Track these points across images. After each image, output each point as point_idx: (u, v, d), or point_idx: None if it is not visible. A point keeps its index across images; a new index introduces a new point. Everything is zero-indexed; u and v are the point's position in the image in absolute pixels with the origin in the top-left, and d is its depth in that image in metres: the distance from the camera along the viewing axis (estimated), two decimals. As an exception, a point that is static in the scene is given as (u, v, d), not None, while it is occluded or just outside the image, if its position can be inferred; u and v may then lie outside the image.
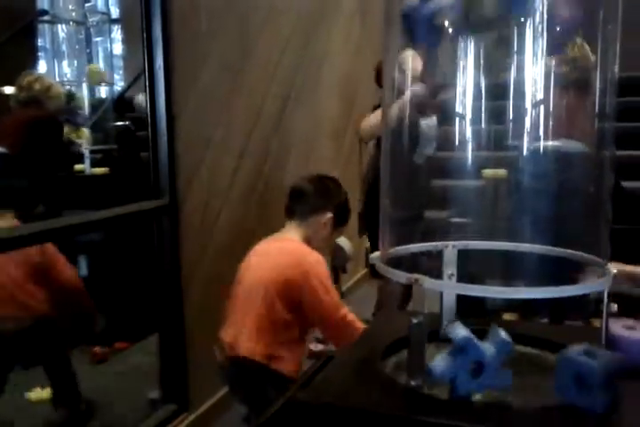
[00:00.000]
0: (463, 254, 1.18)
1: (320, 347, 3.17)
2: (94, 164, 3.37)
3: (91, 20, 4.02)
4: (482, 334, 0.98)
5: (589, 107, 1.09)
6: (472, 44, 1.27)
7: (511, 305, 1.88)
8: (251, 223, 2.77)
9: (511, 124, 1.20)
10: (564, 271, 1.09)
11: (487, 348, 0.92)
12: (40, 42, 4.85)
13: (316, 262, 1.94)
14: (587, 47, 1.22)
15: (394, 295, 2.98)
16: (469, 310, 1.20)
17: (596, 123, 1.12)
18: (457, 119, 1.29)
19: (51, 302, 2.39)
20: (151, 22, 2.11)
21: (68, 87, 3.79)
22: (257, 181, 2.82)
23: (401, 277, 1.02)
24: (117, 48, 4.54)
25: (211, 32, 2.38)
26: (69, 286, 2.46)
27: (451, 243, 1.20)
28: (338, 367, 1.11)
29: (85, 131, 3.46)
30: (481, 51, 1.26)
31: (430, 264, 1.21)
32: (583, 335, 1.03)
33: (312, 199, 2.04)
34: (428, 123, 2.84)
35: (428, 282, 0.97)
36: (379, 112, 2.24)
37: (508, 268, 1.10)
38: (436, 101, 1.72)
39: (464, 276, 1.13)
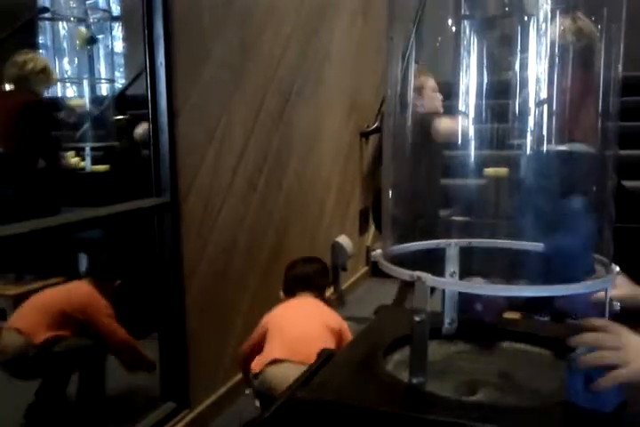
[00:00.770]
0: (466, 252, 1.18)
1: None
2: (95, 161, 3.37)
3: (92, 17, 4.01)
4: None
5: (595, 96, 1.09)
6: (475, 40, 1.27)
7: (513, 303, 1.88)
8: (251, 221, 2.77)
9: (515, 122, 1.20)
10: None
11: None
12: (41, 39, 4.85)
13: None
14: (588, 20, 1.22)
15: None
16: (471, 308, 1.20)
17: (599, 123, 1.12)
18: (459, 118, 1.29)
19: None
20: (152, 19, 2.11)
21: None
22: (258, 179, 2.81)
23: (403, 274, 1.02)
24: (118, 46, 4.53)
25: (212, 29, 2.38)
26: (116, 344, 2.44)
27: (453, 241, 1.20)
28: (339, 365, 1.11)
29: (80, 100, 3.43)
30: (484, 47, 1.26)
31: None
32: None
33: (317, 281, 2.45)
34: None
35: (430, 280, 0.97)
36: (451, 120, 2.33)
37: (511, 266, 1.10)
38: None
39: (466, 274, 1.13)
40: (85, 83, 3.84)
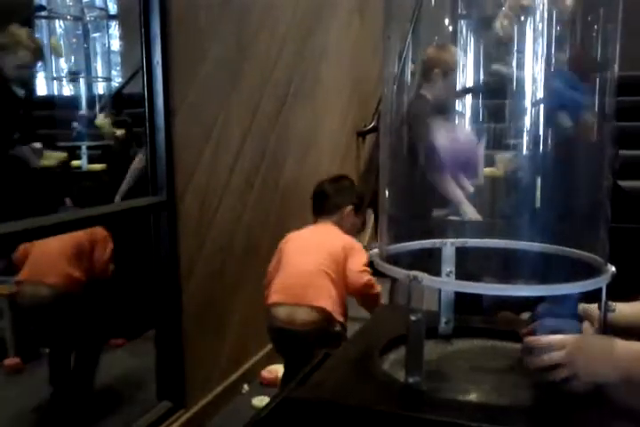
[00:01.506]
0: (462, 252, 1.18)
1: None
2: (92, 160, 3.36)
3: (88, 15, 4.00)
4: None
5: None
6: (472, 40, 1.27)
7: (508, 303, 1.88)
8: (248, 220, 2.77)
9: (512, 122, 1.20)
10: (561, 269, 1.09)
11: None
12: (37, 37, 4.82)
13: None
14: None
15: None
16: (467, 307, 1.20)
17: (595, 123, 1.12)
18: (456, 118, 1.29)
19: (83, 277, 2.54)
20: (149, 18, 2.10)
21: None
22: (254, 178, 2.81)
23: (399, 274, 1.02)
24: (115, 44, 4.52)
25: (209, 28, 2.38)
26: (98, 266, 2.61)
27: (449, 240, 1.21)
28: (335, 364, 1.11)
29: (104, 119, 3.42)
30: (481, 47, 1.26)
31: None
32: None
33: (333, 199, 2.43)
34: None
35: (426, 279, 0.97)
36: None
37: (506, 266, 1.10)
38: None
39: (462, 273, 1.13)
40: (82, 81, 3.83)
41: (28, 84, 3.06)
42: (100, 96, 3.88)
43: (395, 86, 1.32)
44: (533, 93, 1.18)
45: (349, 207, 2.42)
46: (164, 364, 2.36)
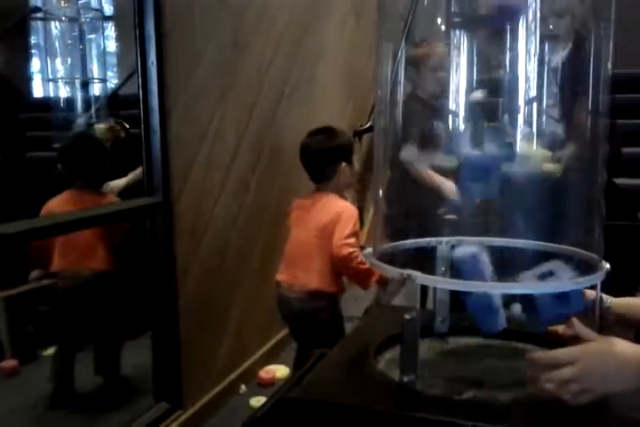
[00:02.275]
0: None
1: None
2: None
3: (84, 17, 4.00)
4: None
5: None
6: (466, 40, 1.27)
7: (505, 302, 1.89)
8: (244, 221, 2.76)
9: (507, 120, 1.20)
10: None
11: None
12: (33, 39, 4.82)
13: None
14: None
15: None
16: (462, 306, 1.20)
17: (589, 120, 1.12)
18: (450, 116, 1.29)
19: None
20: (144, 18, 2.10)
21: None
22: (250, 178, 2.81)
23: (393, 272, 1.02)
24: (111, 45, 4.52)
25: (204, 29, 2.37)
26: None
27: (444, 239, 1.20)
28: (330, 364, 1.11)
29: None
30: (475, 47, 1.26)
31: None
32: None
33: (325, 168, 2.32)
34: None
35: (420, 278, 0.97)
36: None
37: (501, 264, 1.09)
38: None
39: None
40: (77, 83, 3.82)
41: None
42: (96, 98, 3.88)
43: (389, 86, 1.32)
44: (526, 92, 1.18)
45: (343, 165, 2.32)
46: (161, 364, 2.36)
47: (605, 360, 0.89)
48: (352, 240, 2.18)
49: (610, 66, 1.08)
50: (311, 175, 2.38)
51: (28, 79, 4.96)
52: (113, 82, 4.32)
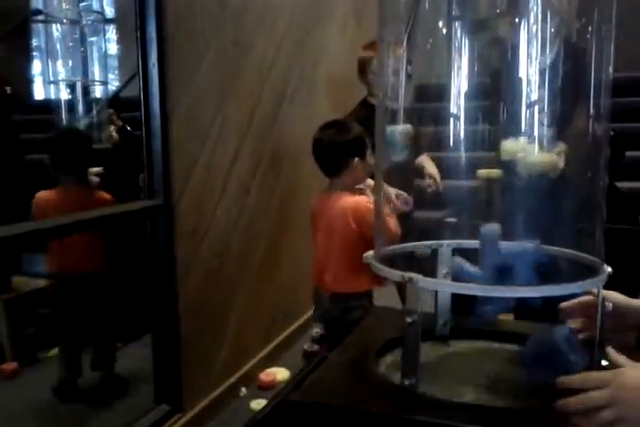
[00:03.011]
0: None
1: (315, 347, 3.16)
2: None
3: (85, 19, 4.00)
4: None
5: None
6: (466, 43, 1.27)
7: (506, 305, 1.88)
8: (245, 224, 2.76)
9: (507, 123, 1.20)
10: (558, 271, 1.09)
11: None
12: (34, 41, 4.83)
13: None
14: None
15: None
16: (464, 309, 1.19)
17: (590, 124, 1.12)
18: (451, 119, 1.28)
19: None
20: (145, 21, 2.10)
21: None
22: (252, 181, 2.81)
23: (395, 275, 1.02)
24: (112, 48, 4.52)
25: (205, 31, 2.38)
26: None
27: (445, 242, 1.20)
28: (331, 367, 1.11)
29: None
30: (475, 50, 1.26)
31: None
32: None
33: (337, 163, 2.29)
34: (398, 129, 2.77)
35: (422, 281, 0.97)
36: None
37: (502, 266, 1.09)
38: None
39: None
40: (78, 85, 3.82)
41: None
42: (97, 100, 3.88)
43: (389, 88, 1.32)
44: (527, 96, 1.18)
45: (355, 160, 2.28)
46: (162, 367, 2.36)
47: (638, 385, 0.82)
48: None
49: (611, 69, 1.08)
50: (324, 170, 2.34)
51: (29, 81, 4.97)
52: (114, 84, 4.32)
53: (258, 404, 2.55)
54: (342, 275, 2.24)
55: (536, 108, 1.13)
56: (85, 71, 4.01)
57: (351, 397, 0.99)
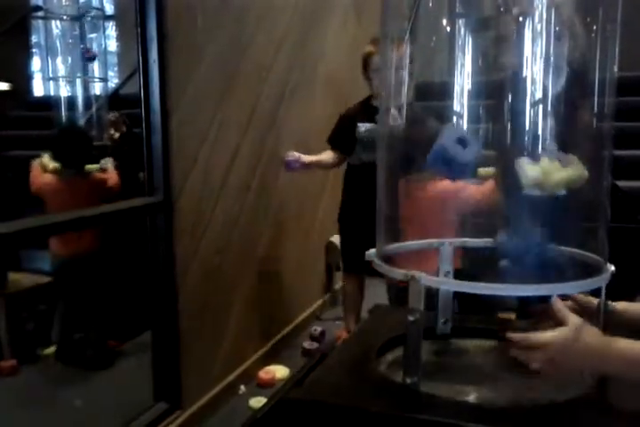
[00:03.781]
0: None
1: (314, 345, 3.16)
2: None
3: (85, 15, 3.98)
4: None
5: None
6: (470, 42, 1.26)
7: (509, 304, 1.88)
8: (245, 221, 2.76)
9: (509, 122, 1.19)
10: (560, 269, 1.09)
11: None
12: (34, 38, 4.82)
13: None
14: None
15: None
16: (467, 308, 1.19)
17: (594, 123, 1.12)
18: (454, 118, 1.28)
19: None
20: (146, 18, 2.09)
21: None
22: (251, 179, 2.80)
23: (397, 274, 1.01)
24: (112, 45, 4.51)
25: (206, 28, 2.37)
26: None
27: (447, 240, 1.20)
28: (332, 365, 1.10)
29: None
30: (478, 48, 1.25)
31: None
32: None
33: None
34: (366, 127, 2.79)
35: (424, 279, 0.96)
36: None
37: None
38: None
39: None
40: (78, 82, 3.81)
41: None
42: (97, 97, 3.87)
43: (392, 87, 1.32)
44: (532, 94, 1.17)
45: None
46: (161, 364, 2.35)
47: (569, 350, 0.94)
48: None
49: (615, 69, 1.08)
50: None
51: (28, 78, 4.96)
52: (114, 81, 4.31)
53: (257, 402, 2.54)
54: None
55: (540, 107, 1.13)
56: (85, 68, 4.00)
57: (353, 395, 0.99)
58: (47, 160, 2.85)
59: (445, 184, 2.01)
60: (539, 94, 1.13)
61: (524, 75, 1.11)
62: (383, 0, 1.28)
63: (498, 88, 1.27)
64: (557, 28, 1.11)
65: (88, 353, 2.90)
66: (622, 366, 0.94)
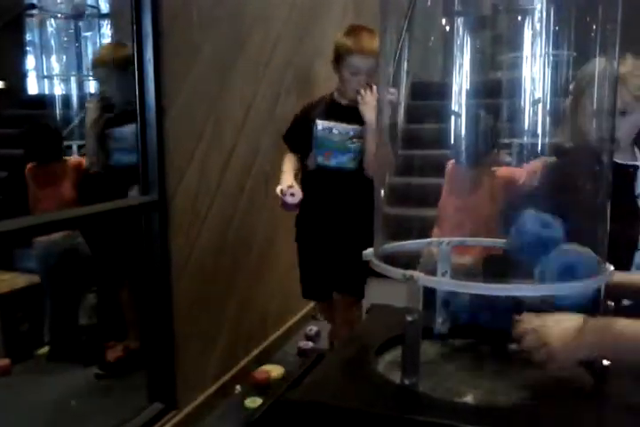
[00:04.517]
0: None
1: (309, 344, 3.15)
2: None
3: (80, 13, 3.97)
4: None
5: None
6: (468, 37, 1.25)
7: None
8: (241, 221, 2.74)
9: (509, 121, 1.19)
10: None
11: None
12: (28, 36, 4.79)
13: None
14: None
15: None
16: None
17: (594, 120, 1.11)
18: (453, 117, 1.27)
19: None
20: (141, 15, 2.07)
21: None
22: (247, 177, 2.79)
23: (396, 273, 1.00)
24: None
25: (202, 26, 2.35)
26: None
27: (445, 239, 1.19)
28: (329, 366, 1.09)
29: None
30: (477, 45, 1.25)
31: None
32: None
33: None
34: (324, 125, 2.43)
35: (422, 279, 0.96)
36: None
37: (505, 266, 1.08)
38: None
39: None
40: (73, 80, 3.80)
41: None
42: (92, 95, 3.85)
43: (390, 84, 1.31)
44: (531, 93, 1.17)
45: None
46: (156, 364, 2.34)
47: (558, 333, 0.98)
48: None
49: (615, 65, 1.07)
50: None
51: (22, 76, 4.93)
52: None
53: (252, 401, 2.54)
54: None
55: (538, 106, 1.12)
56: (80, 66, 3.98)
57: (350, 396, 0.98)
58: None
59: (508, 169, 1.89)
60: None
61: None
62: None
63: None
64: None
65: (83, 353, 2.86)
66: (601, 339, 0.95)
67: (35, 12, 4.10)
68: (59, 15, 3.91)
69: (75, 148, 3.24)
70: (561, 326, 0.98)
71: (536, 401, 0.97)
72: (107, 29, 4.42)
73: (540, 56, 1.16)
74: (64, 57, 4.02)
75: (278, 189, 2.33)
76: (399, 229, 1.18)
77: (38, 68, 4.33)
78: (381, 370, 1.07)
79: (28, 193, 2.84)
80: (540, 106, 1.10)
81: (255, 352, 2.95)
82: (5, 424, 2.37)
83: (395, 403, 0.96)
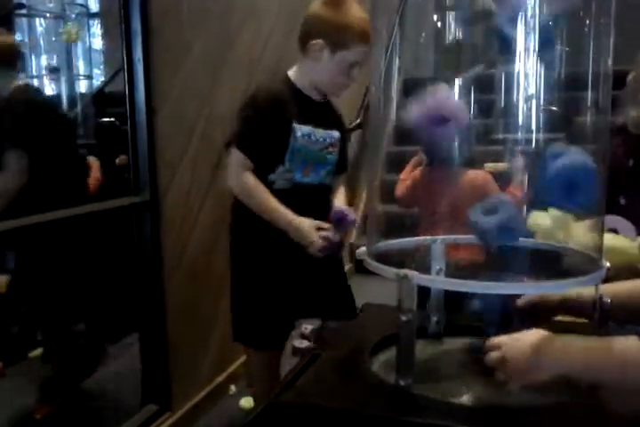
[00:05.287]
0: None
1: (305, 344, 3.14)
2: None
3: (69, 13, 3.94)
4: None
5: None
6: (461, 33, 1.24)
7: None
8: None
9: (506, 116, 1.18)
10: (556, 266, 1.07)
11: None
12: (17, 36, 4.74)
13: None
14: None
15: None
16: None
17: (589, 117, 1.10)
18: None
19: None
20: (130, 13, 2.06)
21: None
22: (239, 177, 2.77)
23: (389, 272, 0.99)
24: (97, 42, 4.46)
25: (192, 24, 2.33)
26: None
27: (439, 237, 1.18)
28: (324, 366, 1.08)
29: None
30: (471, 40, 1.24)
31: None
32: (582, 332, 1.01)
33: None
34: (303, 131, 1.82)
35: (417, 277, 0.94)
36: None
37: (500, 263, 1.07)
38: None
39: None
40: (63, 80, 3.77)
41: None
42: (82, 95, 3.83)
43: (382, 81, 1.29)
44: (525, 89, 1.15)
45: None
46: (149, 366, 2.32)
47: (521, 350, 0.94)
48: None
49: (610, 63, 1.06)
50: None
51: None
52: (99, 79, 4.27)
53: (247, 401, 2.52)
54: None
55: (533, 101, 1.11)
56: (70, 66, 3.96)
57: (345, 397, 0.97)
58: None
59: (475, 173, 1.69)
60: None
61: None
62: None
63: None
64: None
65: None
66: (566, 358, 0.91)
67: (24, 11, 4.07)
68: (48, 15, 3.88)
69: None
70: (520, 343, 0.94)
71: (532, 402, 0.96)
72: (96, 29, 4.40)
73: (534, 51, 1.14)
74: (54, 57, 3.99)
75: (315, 237, 1.76)
76: (390, 226, 1.17)
77: (28, 68, 4.29)
78: (376, 370, 1.06)
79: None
80: (534, 102, 1.09)
81: (250, 352, 2.93)
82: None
83: (389, 404, 0.94)
